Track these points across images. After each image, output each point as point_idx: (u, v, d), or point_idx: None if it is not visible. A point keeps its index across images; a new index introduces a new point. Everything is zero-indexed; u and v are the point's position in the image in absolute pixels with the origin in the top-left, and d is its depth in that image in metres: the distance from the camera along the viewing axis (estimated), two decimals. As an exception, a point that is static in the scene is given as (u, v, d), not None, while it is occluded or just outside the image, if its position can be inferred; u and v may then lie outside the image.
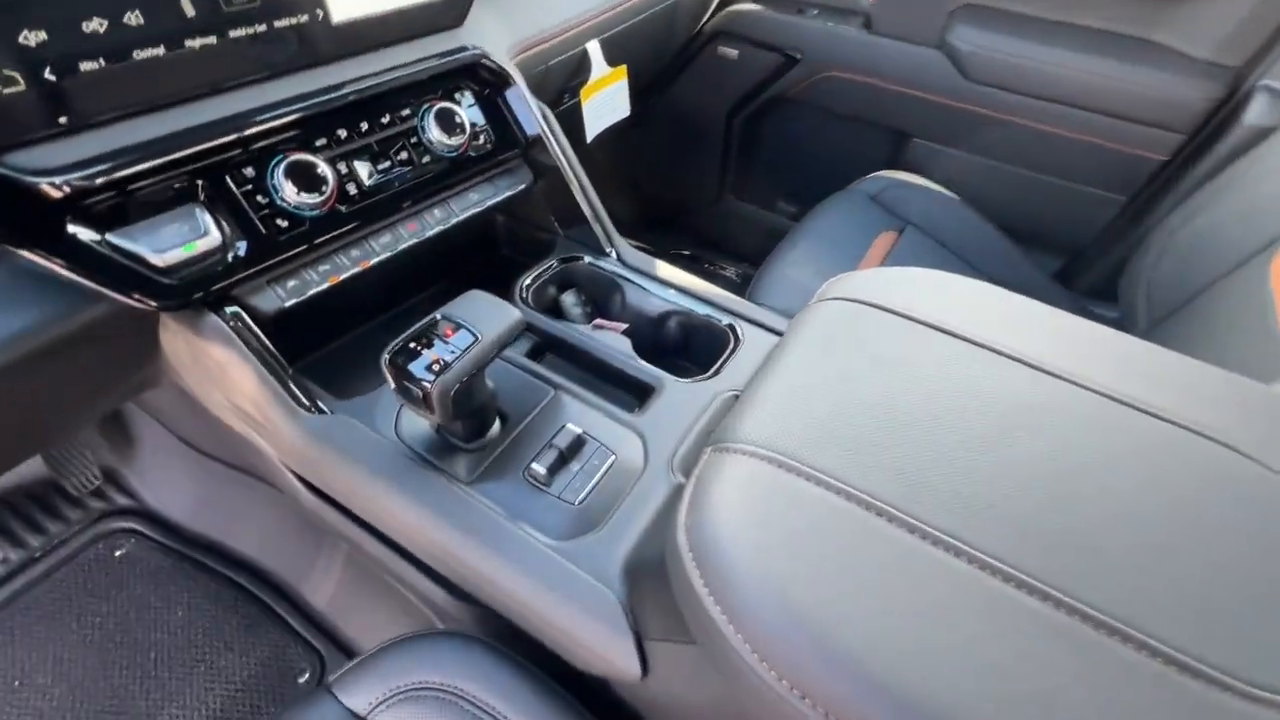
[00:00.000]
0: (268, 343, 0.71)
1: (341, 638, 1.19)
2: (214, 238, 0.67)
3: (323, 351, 0.90)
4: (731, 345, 0.87)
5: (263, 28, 0.67)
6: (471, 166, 0.90)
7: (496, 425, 0.76)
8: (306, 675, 1.14)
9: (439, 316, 0.66)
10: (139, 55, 0.61)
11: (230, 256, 0.69)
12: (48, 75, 0.56)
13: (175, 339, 0.73)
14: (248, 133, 0.68)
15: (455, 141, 0.86)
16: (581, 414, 0.76)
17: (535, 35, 1.03)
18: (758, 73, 1.72)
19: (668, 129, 1.97)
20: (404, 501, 0.66)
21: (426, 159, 0.85)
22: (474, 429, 0.73)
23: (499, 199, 0.93)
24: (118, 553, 1.25)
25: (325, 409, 0.74)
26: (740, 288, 1.20)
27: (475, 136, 0.90)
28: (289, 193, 0.72)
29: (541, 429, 0.75)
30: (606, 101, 1.24)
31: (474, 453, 0.72)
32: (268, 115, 0.69)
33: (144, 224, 0.64)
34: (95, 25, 0.57)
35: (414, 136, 0.83)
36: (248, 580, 1.24)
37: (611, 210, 1.03)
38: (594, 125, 1.23)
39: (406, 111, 0.83)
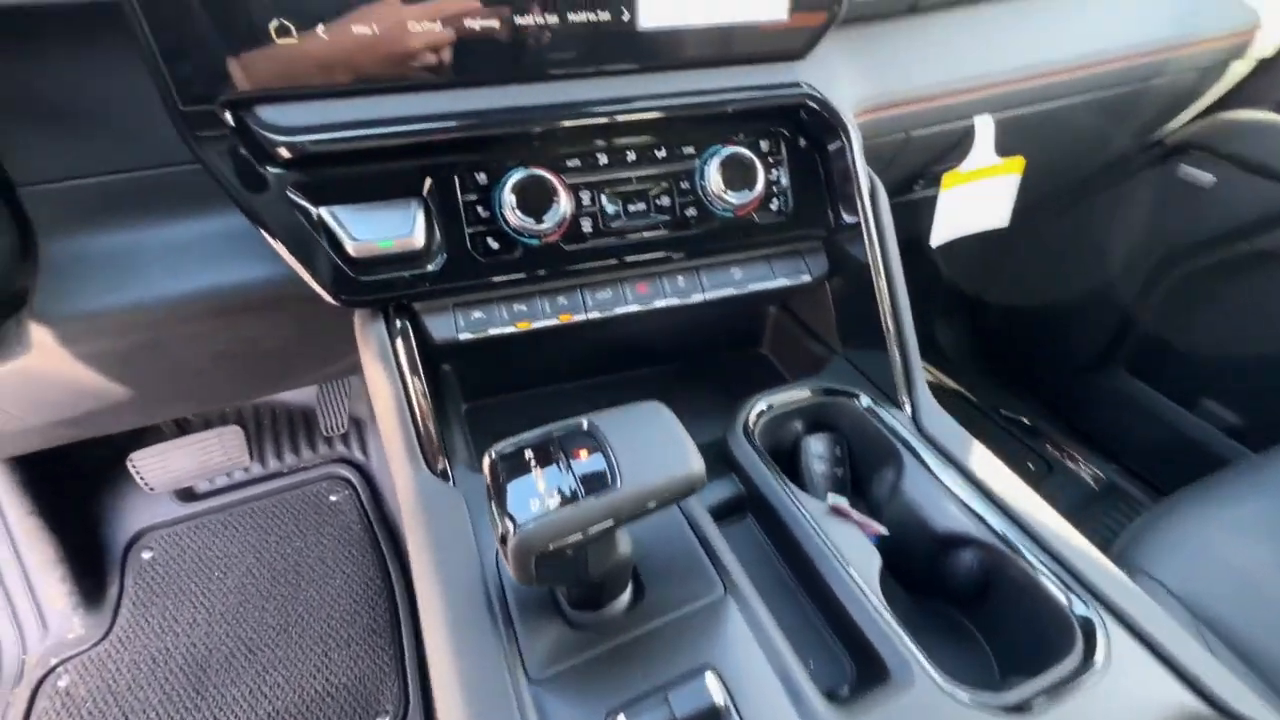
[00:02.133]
0: (420, 370, 0.59)
1: (431, 693, 1.05)
2: (417, 239, 0.57)
3: (509, 396, 0.76)
4: (1081, 653, 0.45)
5: (552, 19, 0.55)
6: (749, 235, 0.67)
7: (626, 596, 0.49)
8: (387, 718, 1.03)
9: (583, 424, 0.44)
10: (414, 28, 0.54)
11: (427, 266, 0.58)
12: (320, 33, 0.52)
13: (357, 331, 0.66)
14: (495, 132, 0.57)
15: (738, 199, 0.64)
16: (744, 659, 0.45)
17: (901, 92, 0.76)
18: (1244, 212, 1.14)
19: (1050, 253, 1.47)
20: (440, 659, 0.45)
21: (693, 211, 0.64)
22: (586, 595, 0.48)
23: (770, 287, 0.68)
24: (332, 498, 1.35)
25: (450, 474, 0.58)
26: (1099, 499, 0.71)
27: (768, 199, 0.67)
28: (512, 212, 0.58)
29: (679, 645, 0.46)
30: (977, 200, 0.89)
31: (575, 630, 0.47)
32: (527, 117, 0.57)
33: (356, 206, 0.57)
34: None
35: (686, 180, 0.64)
36: (398, 579, 1.20)
37: (925, 332, 0.69)
38: (948, 227, 0.89)
39: (689, 149, 0.64)
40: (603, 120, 0.59)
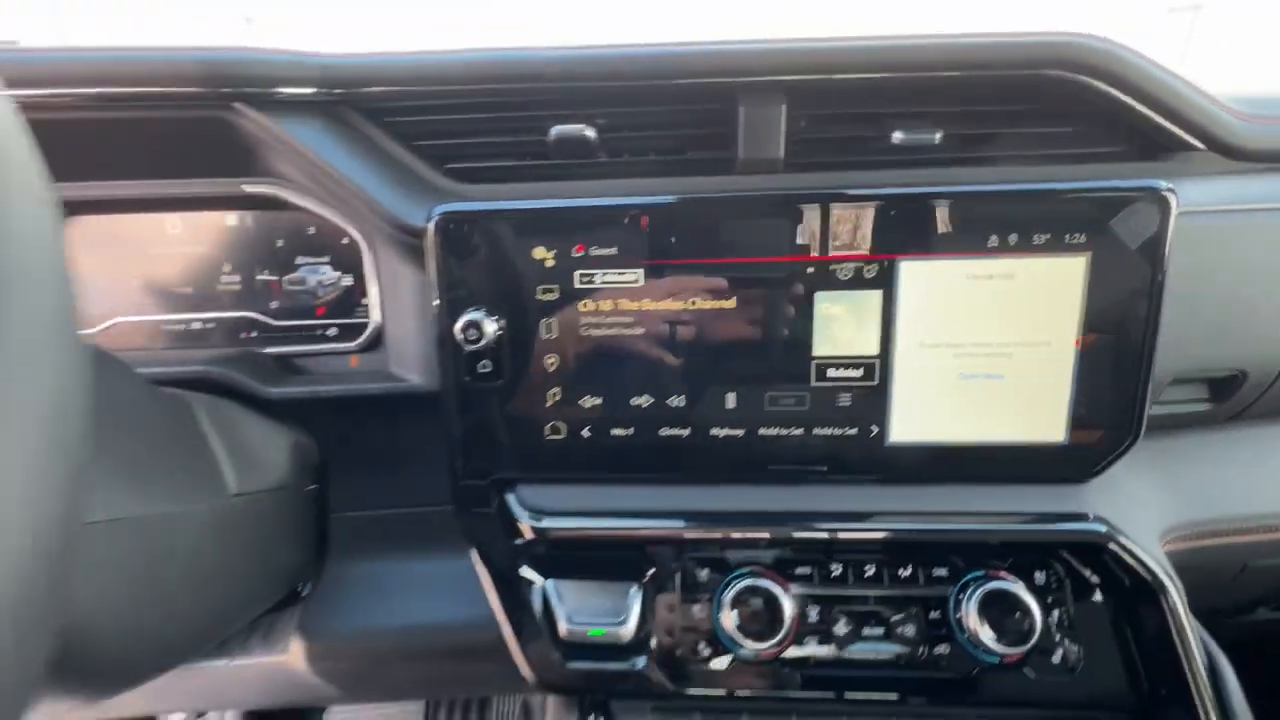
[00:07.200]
0: None
1: None
2: (627, 630, 0.54)
3: None
4: None
5: (798, 431, 0.55)
6: (1018, 693, 0.52)
7: None
8: None
9: None
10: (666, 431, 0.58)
11: (633, 662, 0.54)
12: (584, 435, 0.58)
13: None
14: (734, 535, 0.55)
15: (1004, 647, 0.52)
16: None
17: (1229, 519, 0.60)
18: None
19: None
20: None
21: (943, 649, 0.53)
22: None
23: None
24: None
25: None
26: None
27: (1048, 650, 0.53)
28: (729, 616, 0.54)
29: None
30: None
31: None
32: (768, 523, 0.55)
33: (577, 583, 0.57)
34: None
35: (937, 609, 0.54)
36: None
37: None
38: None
39: (941, 571, 0.55)
40: (841, 535, 0.54)
